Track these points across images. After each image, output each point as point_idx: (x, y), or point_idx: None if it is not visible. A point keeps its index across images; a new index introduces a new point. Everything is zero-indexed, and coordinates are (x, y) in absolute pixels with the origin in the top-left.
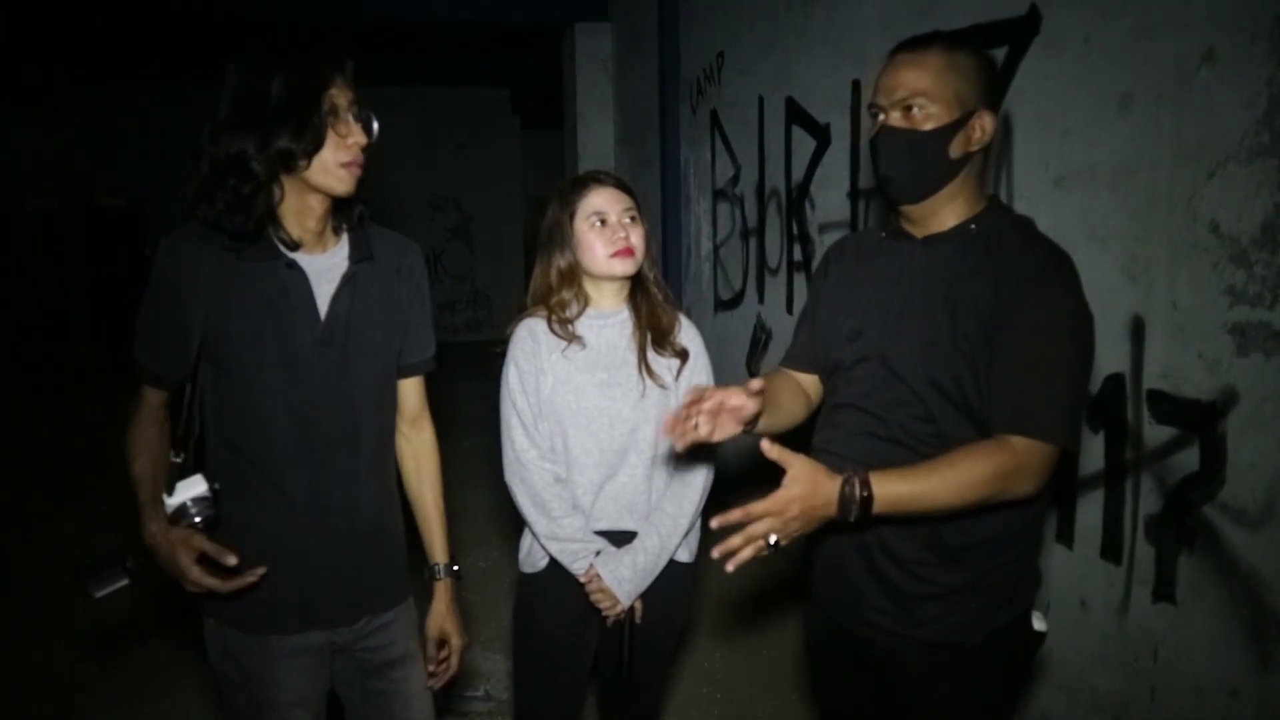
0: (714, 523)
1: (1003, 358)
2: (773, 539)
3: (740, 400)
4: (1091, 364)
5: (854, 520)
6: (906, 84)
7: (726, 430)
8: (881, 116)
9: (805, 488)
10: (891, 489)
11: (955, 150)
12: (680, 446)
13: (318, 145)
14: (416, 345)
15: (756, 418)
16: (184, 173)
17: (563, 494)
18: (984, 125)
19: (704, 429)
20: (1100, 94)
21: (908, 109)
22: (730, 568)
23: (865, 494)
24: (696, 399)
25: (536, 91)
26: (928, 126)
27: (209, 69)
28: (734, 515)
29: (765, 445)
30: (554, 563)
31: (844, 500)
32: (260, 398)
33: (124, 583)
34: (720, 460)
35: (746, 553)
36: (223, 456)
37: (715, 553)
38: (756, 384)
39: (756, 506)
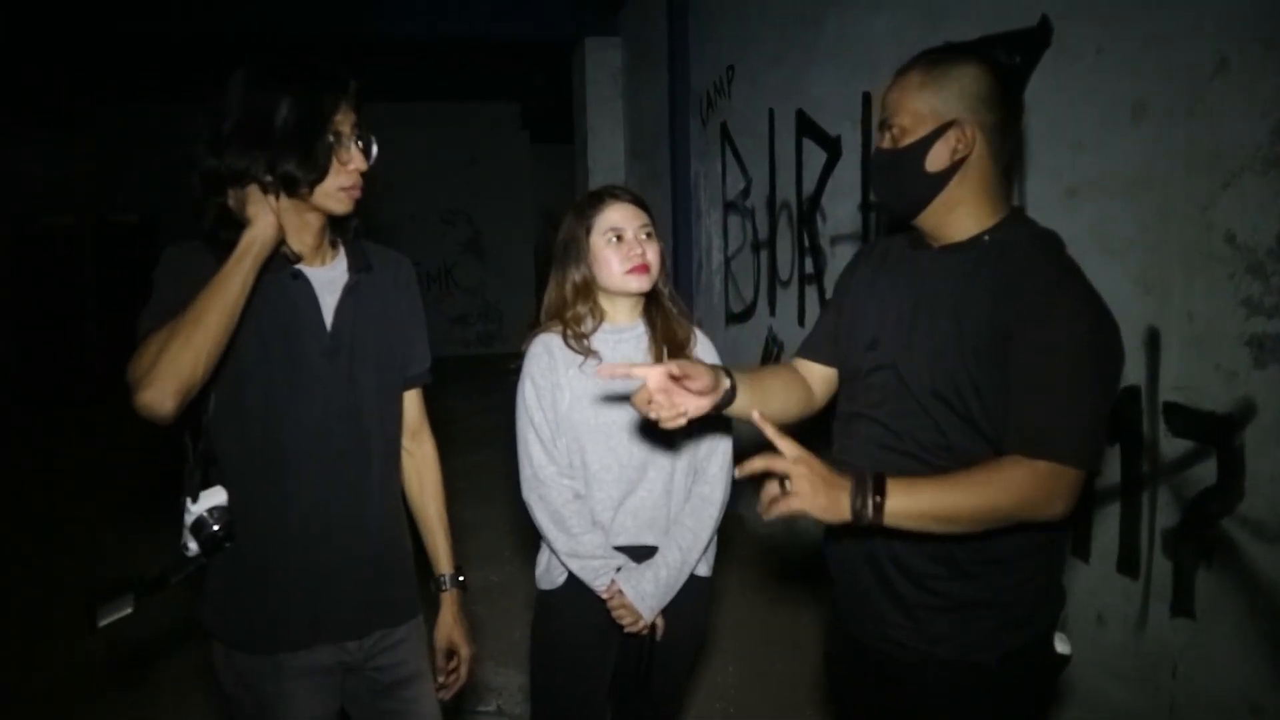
0: (738, 472)
1: (1018, 377)
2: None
3: (677, 369)
4: (1117, 379)
5: (870, 511)
6: (887, 104)
7: (695, 404)
8: (877, 140)
9: (816, 482)
10: (906, 498)
11: (935, 163)
12: (669, 424)
13: (321, 175)
14: (415, 358)
15: (732, 394)
16: (193, 187)
17: (582, 510)
18: (966, 134)
19: (665, 413)
20: (1113, 104)
21: (890, 129)
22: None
23: (876, 483)
24: (632, 375)
25: (547, 106)
26: (903, 143)
27: (220, 88)
28: (755, 464)
29: (756, 416)
30: (572, 578)
31: (857, 495)
32: (268, 408)
33: (128, 611)
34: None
35: (781, 505)
36: (233, 468)
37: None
38: (673, 366)
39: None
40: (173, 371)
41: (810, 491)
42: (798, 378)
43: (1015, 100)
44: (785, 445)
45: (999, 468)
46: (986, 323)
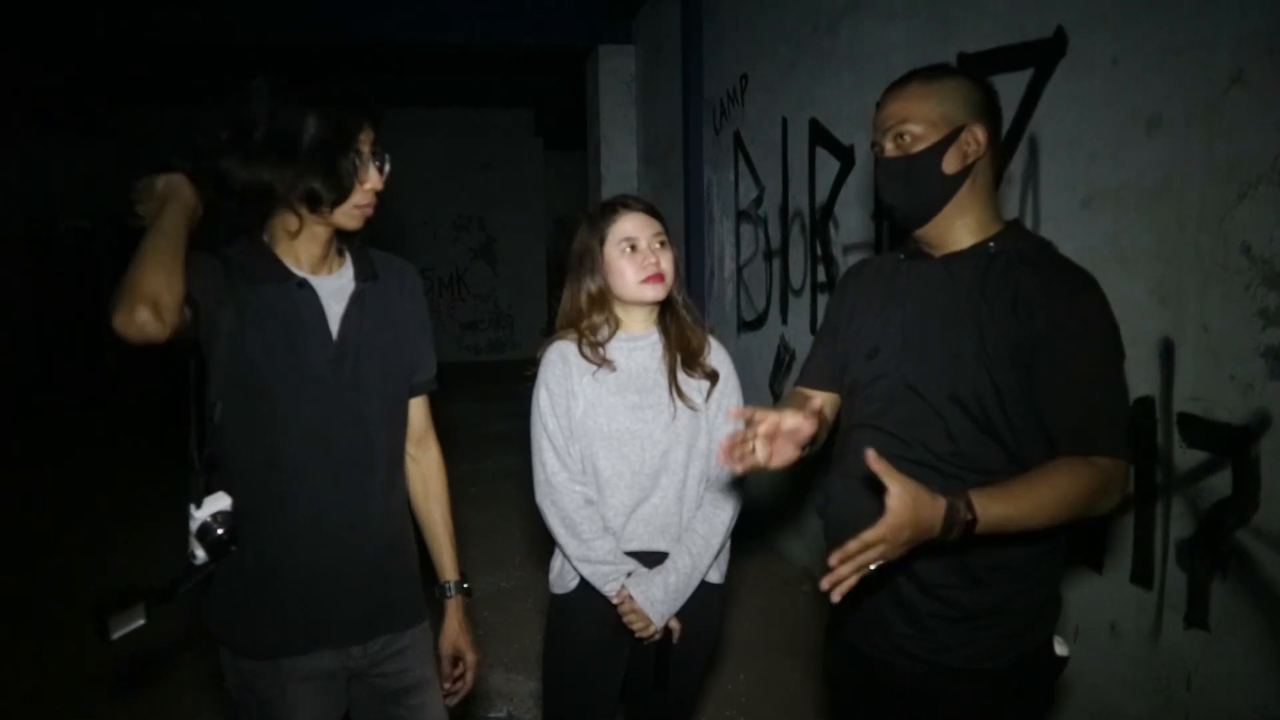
0: (833, 559)
1: (1056, 382)
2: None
3: (795, 422)
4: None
5: (951, 540)
6: (893, 114)
7: (785, 456)
8: (878, 152)
9: (913, 512)
10: (993, 511)
11: (950, 166)
12: (740, 470)
13: (345, 195)
14: (420, 365)
15: (813, 441)
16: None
17: (593, 516)
18: (976, 137)
19: (761, 454)
20: (1128, 115)
21: (899, 137)
22: (837, 597)
23: (970, 518)
24: (750, 420)
25: (560, 113)
26: (917, 148)
27: (239, 94)
28: (851, 547)
29: (871, 456)
30: (584, 583)
31: (948, 524)
32: (275, 415)
33: (140, 622)
34: (749, 479)
35: (852, 579)
36: (237, 474)
37: (825, 584)
38: (817, 403)
39: (871, 534)
40: (132, 287)
41: (910, 521)
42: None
43: (1000, 115)
44: (892, 477)
45: (1059, 470)
46: (1009, 330)
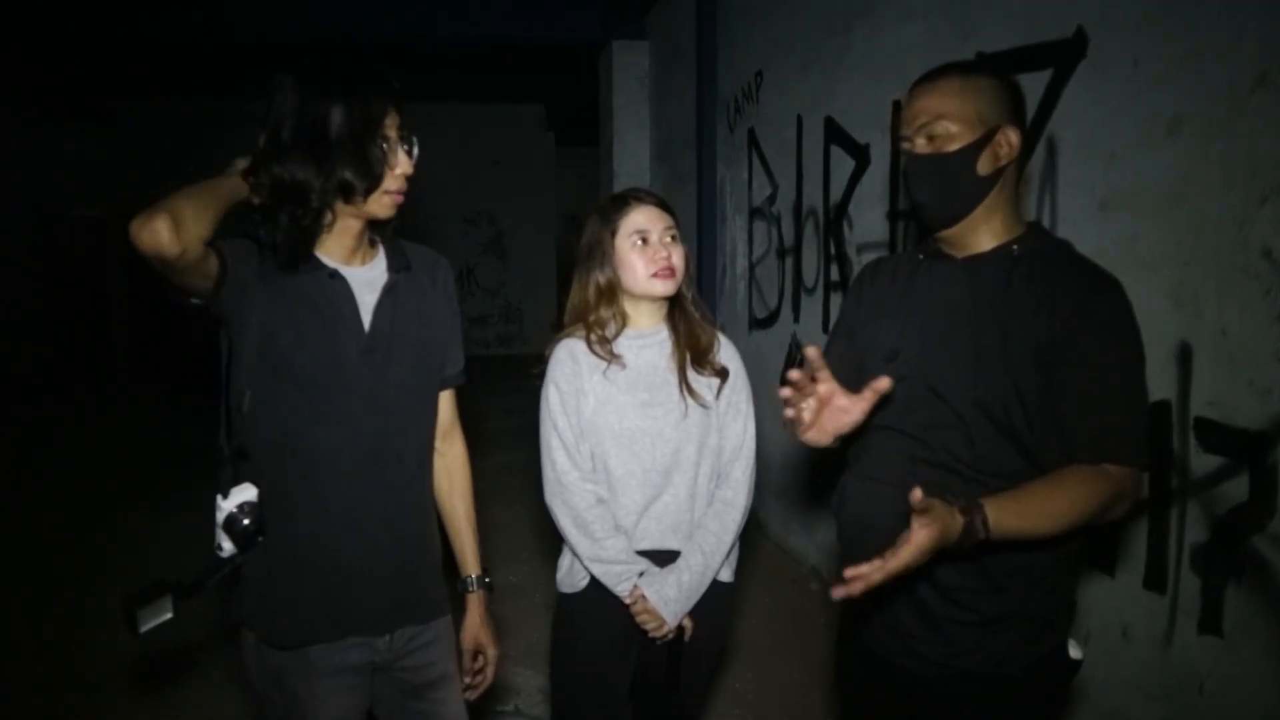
0: (848, 572)
1: (1075, 386)
2: None
3: (847, 402)
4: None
5: (963, 549)
6: (927, 109)
7: (822, 434)
8: (908, 146)
9: (939, 532)
10: (1007, 524)
11: (983, 167)
12: (788, 414)
13: (377, 183)
14: (449, 359)
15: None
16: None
17: (605, 515)
18: (1010, 139)
19: (807, 416)
20: (1148, 118)
21: (932, 134)
22: (840, 594)
23: (985, 535)
24: (818, 369)
25: (572, 108)
26: (952, 147)
27: (247, 86)
28: (870, 569)
29: (916, 496)
30: (594, 582)
31: (963, 540)
32: (306, 404)
33: (168, 616)
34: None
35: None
36: (266, 464)
37: (836, 595)
38: (883, 384)
39: (893, 563)
40: (159, 202)
41: (935, 542)
42: None
43: (1026, 116)
44: (929, 506)
45: (1073, 479)
46: (1033, 332)
